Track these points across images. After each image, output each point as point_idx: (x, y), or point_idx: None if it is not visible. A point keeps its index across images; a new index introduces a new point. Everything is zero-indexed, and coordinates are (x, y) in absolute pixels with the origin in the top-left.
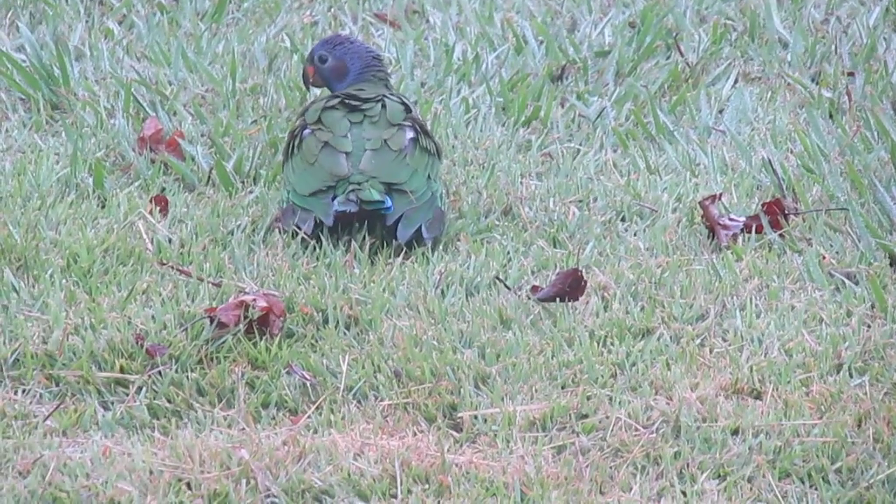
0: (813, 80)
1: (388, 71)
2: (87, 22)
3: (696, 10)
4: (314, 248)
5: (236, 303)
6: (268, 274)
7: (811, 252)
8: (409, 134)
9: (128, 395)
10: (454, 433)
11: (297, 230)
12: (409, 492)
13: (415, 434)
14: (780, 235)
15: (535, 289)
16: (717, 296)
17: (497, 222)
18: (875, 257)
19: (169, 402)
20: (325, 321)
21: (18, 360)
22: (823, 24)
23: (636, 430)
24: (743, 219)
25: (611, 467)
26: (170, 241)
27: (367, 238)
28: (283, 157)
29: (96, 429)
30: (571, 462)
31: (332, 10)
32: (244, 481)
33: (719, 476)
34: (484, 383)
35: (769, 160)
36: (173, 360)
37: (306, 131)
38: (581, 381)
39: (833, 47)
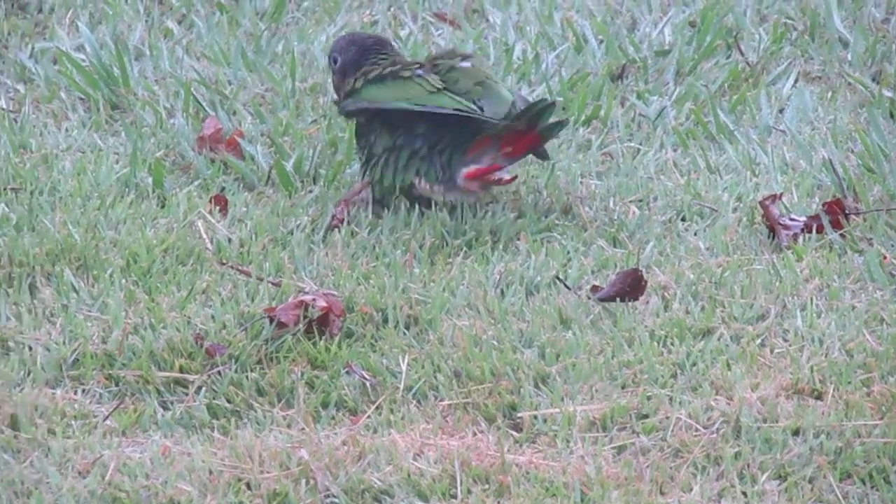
0: (873, 80)
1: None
2: (146, 21)
3: (757, 10)
4: (374, 248)
5: (296, 302)
6: (327, 273)
7: (872, 252)
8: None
9: (187, 394)
10: (514, 433)
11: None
12: (469, 492)
13: (474, 434)
14: (841, 235)
15: (595, 288)
16: (778, 296)
17: (557, 222)
18: None
19: (228, 401)
20: (385, 321)
21: (78, 359)
22: (884, 23)
23: (696, 430)
24: (803, 218)
25: (671, 468)
26: (229, 240)
27: (426, 237)
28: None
29: (156, 428)
30: (631, 462)
31: (392, 8)
32: (304, 481)
33: (780, 477)
34: (544, 383)
35: (829, 160)
36: (233, 360)
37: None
38: (641, 381)
39: (893, 46)
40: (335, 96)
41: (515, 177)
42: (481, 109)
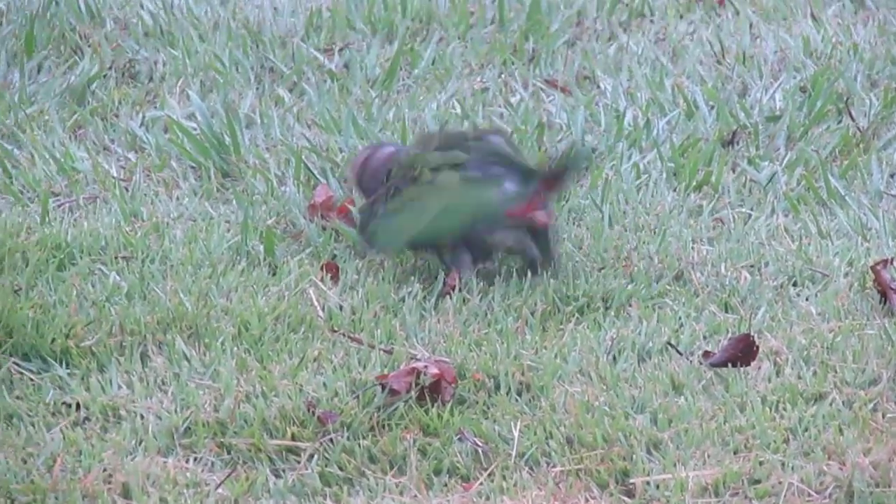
0: None
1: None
2: (257, 89)
3: (867, 75)
4: (486, 314)
5: (408, 370)
6: (439, 340)
7: None
8: None
9: (299, 462)
10: (626, 499)
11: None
12: None
13: (587, 500)
14: None
15: (706, 354)
16: (890, 360)
17: (669, 287)
18: None
19: (341, 469)
20: (497, 387)
21: (190, 428)
22: None
23: (809, 495)
24: None
25: None
26: (341, 308)
27: (538, 304)
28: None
29: (268, 497)
30: None
31: (503, 76)
32: None
33: None
34: (656, 449)
35: None
36: (345, 428)
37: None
38: (753, 447)
39: None
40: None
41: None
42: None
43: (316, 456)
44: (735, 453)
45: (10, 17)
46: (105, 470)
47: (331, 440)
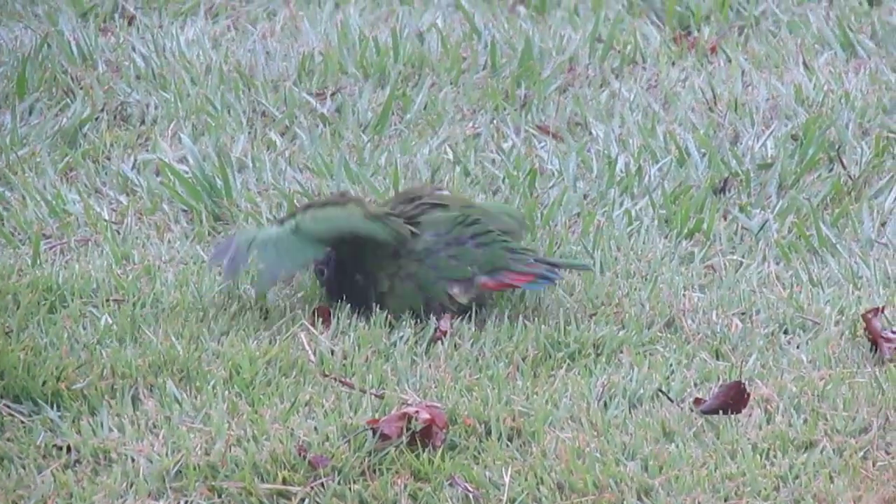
0: None
1: None
2: (249, 133)
3: (859, 123)
4: (477, 360)
5: (399, 415)
6: (430, 385)
7: None
8: None
9: None
10: None
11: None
12: None
13: None
14: None
15: (697, 401)
16: (881, 409)
17: (660, 334)
18: None
19: None
20: (488, 433)
21: (181, 471)
22: None
23: None
24: None
25: None
26: (332, 352)
27: (529, 350)
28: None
29: None
30: None
31: (495, 121)
32: None
33: None
34: (647, 496)
35: None
36: (336, 472)
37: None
38: (744, 494)
39: None
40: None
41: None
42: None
43: (307, 500)
44: (725, 501)
45: (2, 59)
46: None
47: (322, 484)
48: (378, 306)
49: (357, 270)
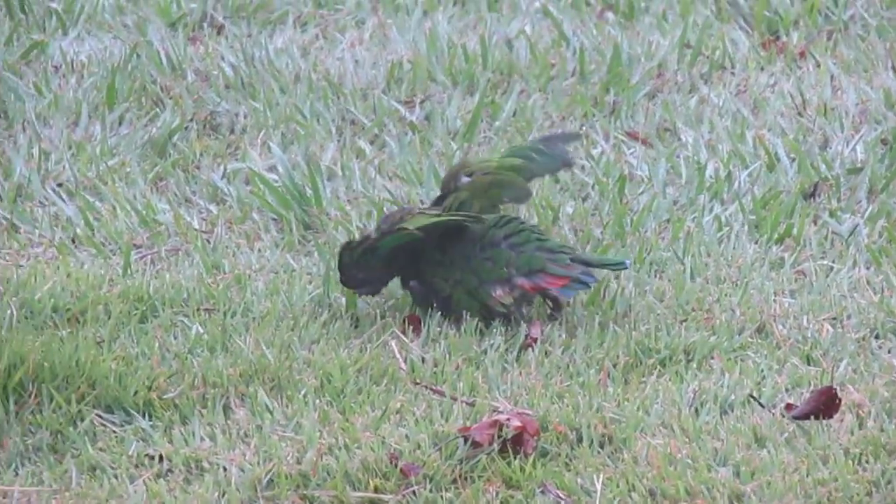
0: None
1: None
2: (338, 142)
3: None
4: (567, 367)
5: (490, 422)
6: (521, 393)
7: None
8: None
9: None
10: None
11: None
12: None
13: None
14: None
15: (789, 406)
16: None
17: (751, 340)
18: None
19: None
20: (579, 440)
21: (273, 480)
22: None
23: None
24: None
25: None
26: (423, 360)
27: (620, 356)
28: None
29: None
30: None
31: (584, 128)
32: None
33: None
34: (739, 502)
35: None
36: (427, 480)
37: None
38: (836, 500)
39: None
40: None
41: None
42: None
43: None
44: None
45: (92, 70)
46: None
47: (413, 493)
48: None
49: (414, 277)
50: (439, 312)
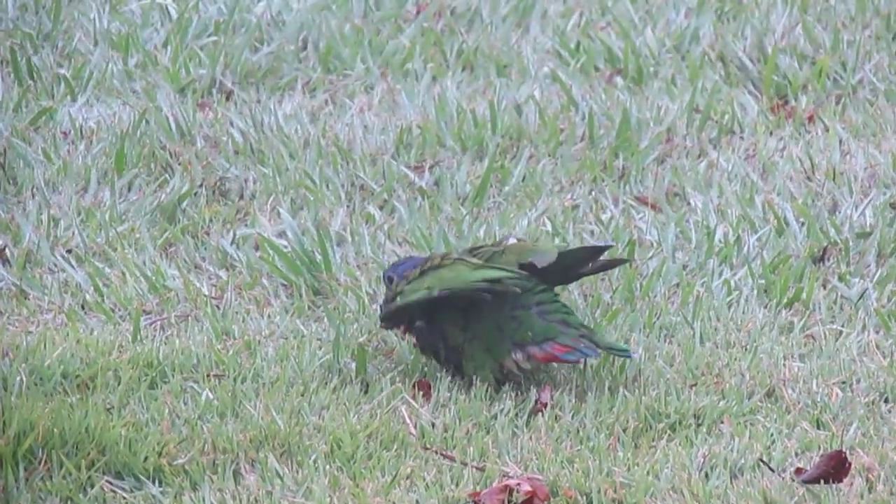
0: None
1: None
2: (347, 207)
3: None
4: (578, 431)
5: (500, 487)
6: (531, 457)
7: None
8: None
9: None
10: None
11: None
12: None
13: None
14: None
15: (798, 471)
16: None
17: (760, 404)
18: None
19: None
20: None
21: None
22: None
23: None
24: None
25: None
26: (433, 425)
27: (630, 421)
28: None
29: None
30: None
31: (593, 192)
32: None
33: None
34: None
35: None
36: None
37: None
38: None
39: None
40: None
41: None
42: (533, 266)
43: None
44: None
45: (101, 136)
46: None
47: None
48: (451, 366)
49: (423, 317)
50: (445, 369)
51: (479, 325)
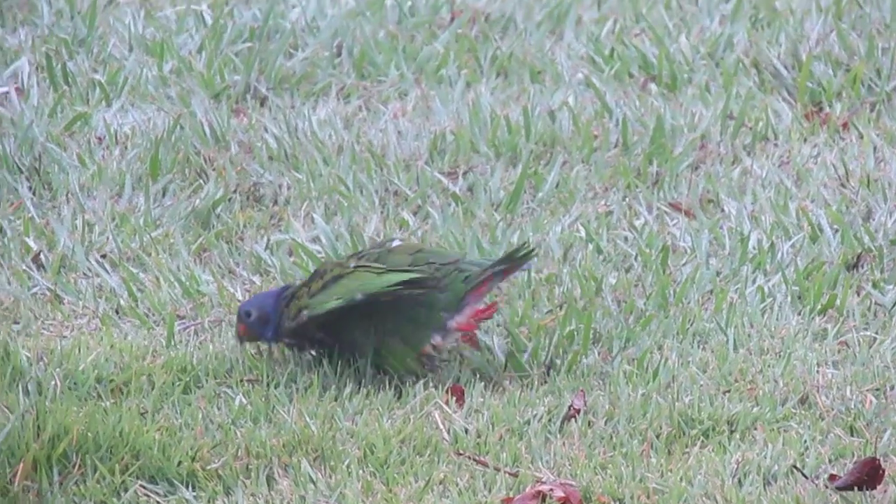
0: None
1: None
2: (381, 212)
3: None
4: (611, 437)
5: (533, 493)
6: (564, 463)
7: None
8: None
9: None
10: None
11: None
12: None
13: None
14: None
15: (832, 477)
16: None
17: (794, 411)
18: None
19: None
20: None
21: None
22: None
23: None
24: None
25: None
26: (466, 431)
27: (663, 427)
28: None
29: None
30: None
31: (627, 199)
32: None
33: None
34: None
35: None
36: None
37: None
38: None
39: None
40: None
41: (495, 303)
42: (433, 265)
43: None
44: None
45: (136, 141)
46: None
47: None
48: (373, 366)
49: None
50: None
51: (390, 324)
